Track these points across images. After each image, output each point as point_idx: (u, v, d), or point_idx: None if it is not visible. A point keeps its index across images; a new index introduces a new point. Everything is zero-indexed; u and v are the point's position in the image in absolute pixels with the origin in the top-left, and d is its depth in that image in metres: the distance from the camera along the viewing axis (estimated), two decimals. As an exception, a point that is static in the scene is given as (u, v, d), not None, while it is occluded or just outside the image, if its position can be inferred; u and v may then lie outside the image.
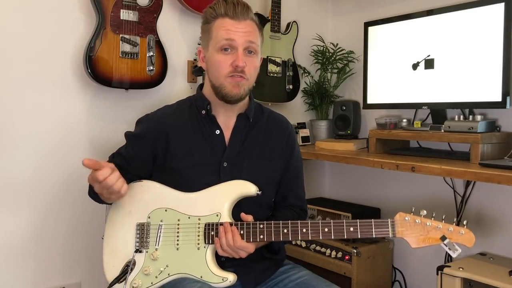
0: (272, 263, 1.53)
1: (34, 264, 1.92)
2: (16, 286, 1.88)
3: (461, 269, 1.77)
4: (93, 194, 1.46)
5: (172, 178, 1.46)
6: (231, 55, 1.40)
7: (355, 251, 2.16)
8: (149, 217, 1.43)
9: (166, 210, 1.43)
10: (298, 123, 2.64)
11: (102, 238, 1.46)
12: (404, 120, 2.21)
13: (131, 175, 1.49)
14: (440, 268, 1.81)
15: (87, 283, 2.04)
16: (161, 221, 1.42)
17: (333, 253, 2.25)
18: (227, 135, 1.50)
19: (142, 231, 1.42)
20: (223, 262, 1.42)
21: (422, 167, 1.79)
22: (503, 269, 1.77)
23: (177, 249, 1.41)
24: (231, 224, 1.37)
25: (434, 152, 2.09)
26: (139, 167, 1.50)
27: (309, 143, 2.63)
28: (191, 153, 1.47)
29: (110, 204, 1.48)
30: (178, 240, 1.41)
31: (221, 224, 1.38)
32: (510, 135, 1.97)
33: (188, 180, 1.45)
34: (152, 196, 1.45)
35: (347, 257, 2.20)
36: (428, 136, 2.01)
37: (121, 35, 1.93)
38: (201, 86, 1.57)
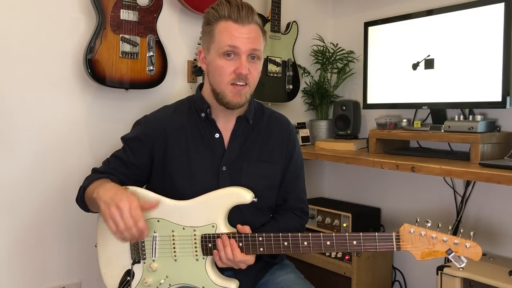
0: (267, 262, 1.51)
1: (34, 264, 1.92)
2: (16, 286, 1.88)
3: (461, 269, 1.76)
4: (81, 202, 1.44)
5: (170, 182, 1.45)
6: (234, 61, 1.36)
7: (350, 252, 2.16)
8: None
9: (158, 221, 1.38)
10: (298, 123, 2.64)
11: (96, 246, 1.43)
12: (404, 120, 2.21)
13: (128, 180, 1.47)
14: (440, 268, 1.81)
15: (87, 283, 2.04)
16: (155, 232, 1.39)
17: (333, 253, 2.25)
18: (226, 138, 1.48)
19: (136, 242, 1.39)
20: None
21: (422, 167, 1.78)
22: (503, 269, 1.77)
23: (175, 260, 1.39)
24: (229, 236, 1.34)
25: (434, 152, 2.09)
26: (138, 172, 1.49)
27: (309, 143, 2.63)
28: (190, 157, 1.45)
29: (97, 212, 1.43)
30: (175, 252, 1.39)
31: (219, 236, 1.35)
32: (510, 135, 1.97)
33: (187, 185, 1.43)
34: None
35: (347, 257, 2.20)
36: (428, 136, 2.01)
37: (121, 35, 1.93)
38: (201, 86, 1.54)
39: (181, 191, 1.42)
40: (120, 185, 1.42)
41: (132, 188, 1.40)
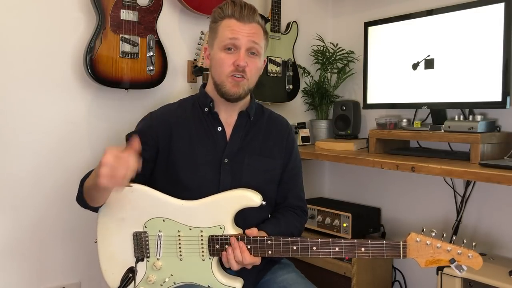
0: (268, 261, 1.53)
1: (34, 264, 1.92)
2: (16, 286, 1.88)
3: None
4: (82, 200, 1.44)
5: (173, 172, 1.47)
6: (233, 54, 1.43)
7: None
8: (145, 227, 1.39)
9: (164, 220, 1.39)
10: (298, 123, 2.63)
11: (95, 242, 1.43)
12: (404, 120, 2.21)
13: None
14: (440, 268, 1.81)
15: (87, 283, 2.04)
16: (160, 231, 1.39)
17: (333, 253, 2.24)
18: (228, 132, 1.53)
19: (140, 240, 1.39)
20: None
21: (422, 167, 1.78)
22: (503, 269, 1.77)
23: (181, 259, 1.39)
24: (237, 239, 1.36)
25: (434, 152, 2.09)
26: (143, 164, 1.48)
27: (309, 143, 2.63)
28: (193, 149, 1.49)
29: (96, 210, 1.44)
30: (180, 251, 1.39)
31: (226, 237, 1.37)
32: (510, 135, 1.97)
33: (189, 175, 1.46)
34: (146, 204, 1.39)
35: (347, 257, 2.20)
36: (428, 136, 2.01)
37: (121, 35, 1.93)
38: (204, 85, 1.60)
39: (183, 181, 1.45)
40: None
41: (138, 186, 1.41)
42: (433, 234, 1.30)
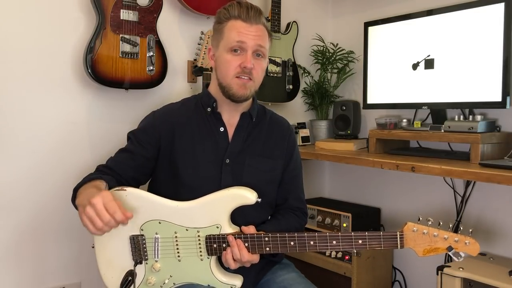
0: (268, 261, 1.54)
1: (34, 264, 1.92)
2: (16, 286, 1.88)
3: (461, 269, 1.77)
4: (73, 203, 1.43)
5: (174, 170, 1.48)
6: (240, 56, 1.43)
7: (355, 251, 2.16)
8: (142, 229, 1.38)
9: (160, 222, 1.38)
10: (298, 123, 2.64)
11: (93, 247, 1.43)
12: (404, 120, 2.21)
13: (134, 173, 1.50)
14: (440, 268, 1.81)
15: (87, 283, 2.04)
16: (156, 233, 1.38)
17: (333, 253, 2.25)
18: (231, 132, 1.53)
19: (137, 243, 1.38)
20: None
21: (422, 167, 1.79)
22: (503, 269, 1.77)
23: (179, 260, 1.39)
24: (235, 237, 1.36)
25: (434, 152, 2.09)
26: (145, 163, 1.51)
27: (309, 143, 2.63)
28: (195, 149, 1.49)
29: None
30: (178, 253, 1.39)
31: (224, 236, 1.37)
32: (510, 135, 1.97)
33: (190, 173, 1.47)
34: (141, 207, 1.38)
35: (347, 257, 2.20)
36: (428, 136, 2.01)
37: (121, 35, 1.93)
38: (207, 85, 1.60)
39: (185, 180, 1.46)
40: (115, 182, 1.42)
41: (131, 189, 1.40)
42: (430, 223, 1.30)
